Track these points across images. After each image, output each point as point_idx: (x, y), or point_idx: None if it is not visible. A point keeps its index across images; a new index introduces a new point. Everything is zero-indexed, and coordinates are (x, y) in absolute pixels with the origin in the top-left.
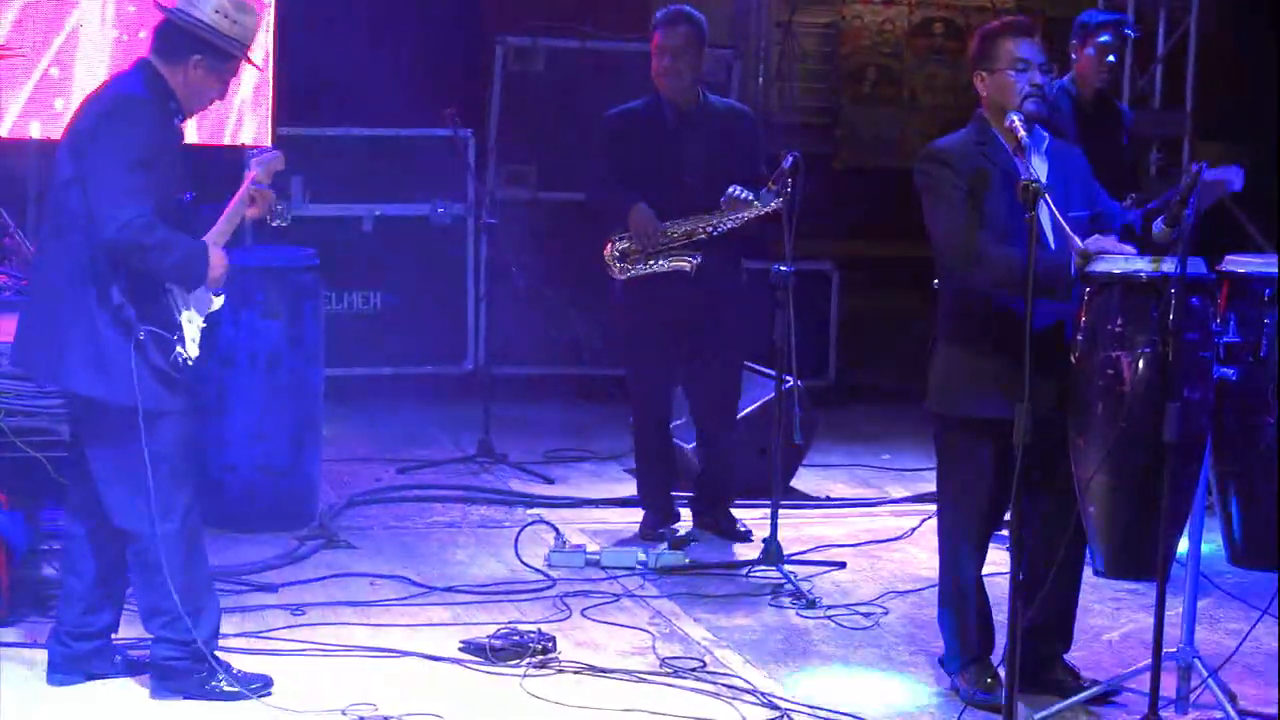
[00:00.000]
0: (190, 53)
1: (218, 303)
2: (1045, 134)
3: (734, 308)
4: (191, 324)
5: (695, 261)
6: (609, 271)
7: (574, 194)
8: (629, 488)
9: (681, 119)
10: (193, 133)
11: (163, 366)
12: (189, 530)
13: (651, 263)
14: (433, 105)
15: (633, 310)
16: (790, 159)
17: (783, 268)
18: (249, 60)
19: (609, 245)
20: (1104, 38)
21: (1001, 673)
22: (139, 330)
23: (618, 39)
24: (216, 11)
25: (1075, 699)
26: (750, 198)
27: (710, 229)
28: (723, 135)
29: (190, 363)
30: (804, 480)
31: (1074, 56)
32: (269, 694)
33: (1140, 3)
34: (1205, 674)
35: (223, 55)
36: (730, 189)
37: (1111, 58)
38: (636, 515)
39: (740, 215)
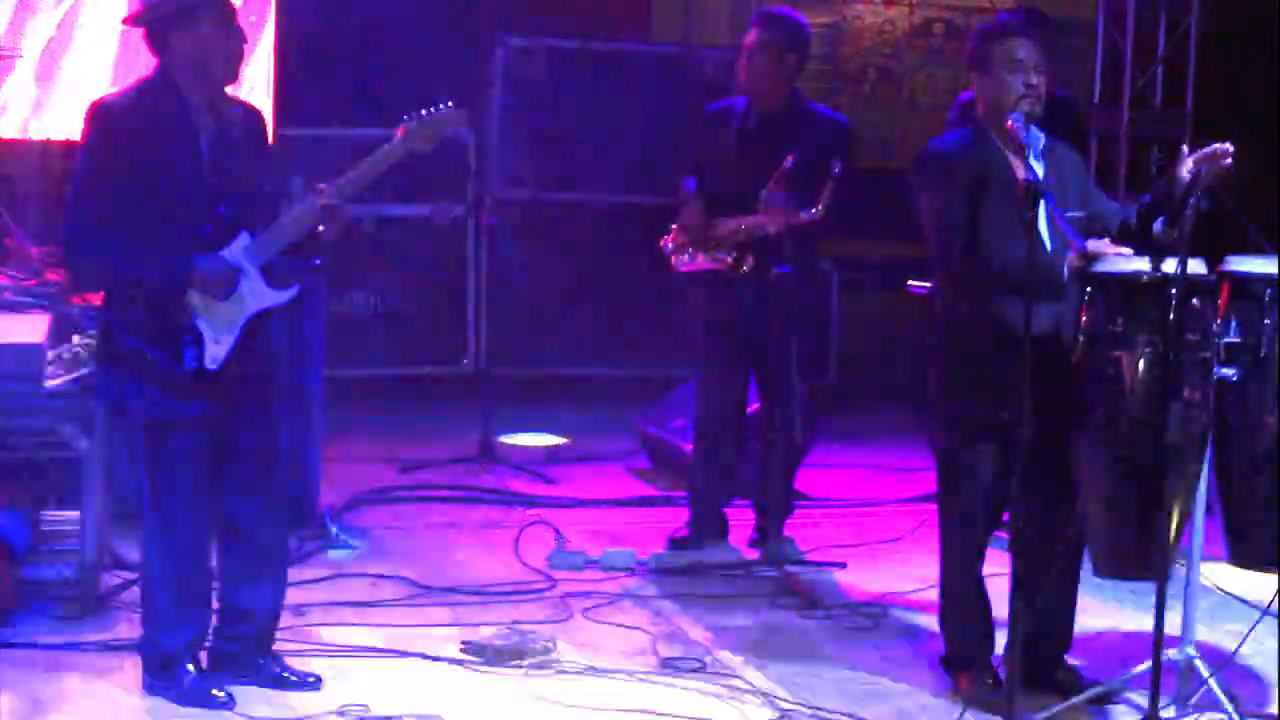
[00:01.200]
0: (172, 38)
1: (273, 298)
2: (1042, 134)
3: (797, 317)
4: (216, 324)
5: (730, 259)
6: (666, 261)
7: (574, 195)
8: (630, 488)
9: (762, 121)
10: None
11: (176, 374)
12: (184, 549)
13: (694, 254)
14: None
15: (699, 308)
16: (790, 160)
17: (782, 269)
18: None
19: (666, 236)
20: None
21: (1002, 673)
22: (126, 339)
23: (619, 40)
24: None
25: (1075, 699)
26: (786, 204)
27: (754, 232)
28: (801, 142)
29: (210, 366)
30: (804, 480)
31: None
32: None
33: (1140, 3)
34: (1205, 674)
35: (185, 15)
36: (765, 194)
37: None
38: (637, 515)
39: (780, 222)
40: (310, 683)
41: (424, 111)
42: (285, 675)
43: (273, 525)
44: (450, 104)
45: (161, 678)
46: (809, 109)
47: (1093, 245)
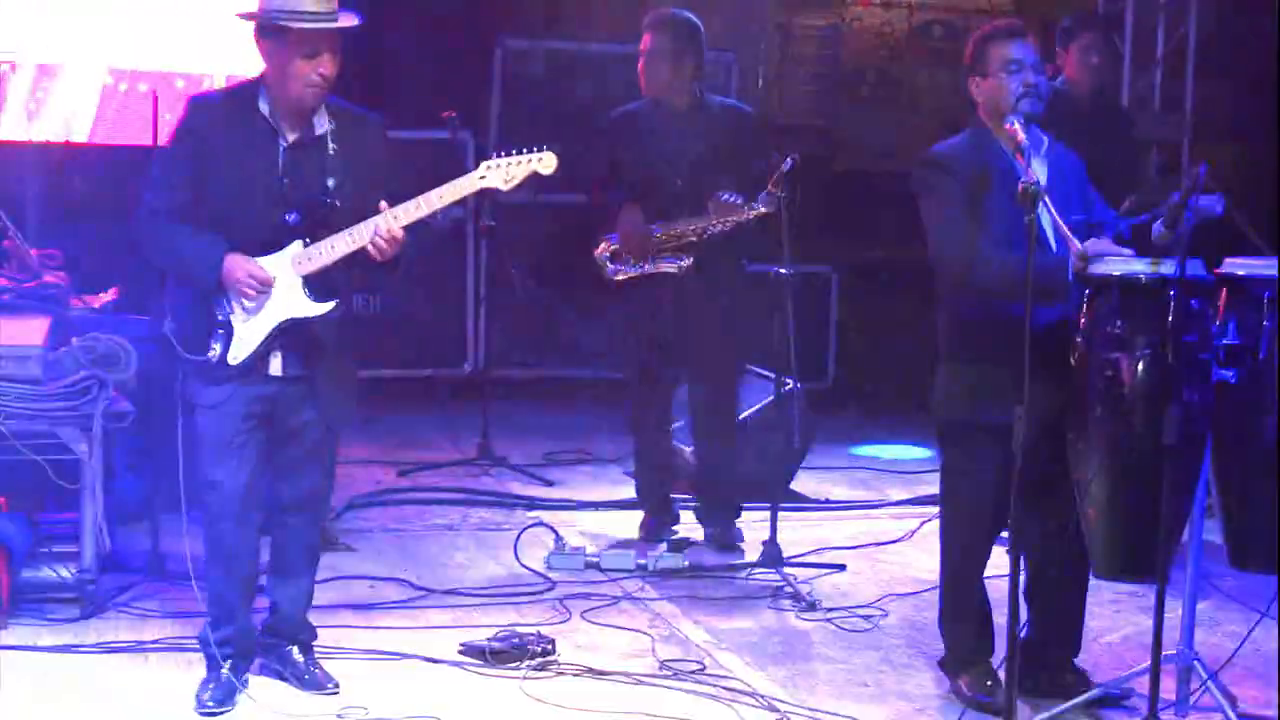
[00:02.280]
0: (263, 47)
1: (309, 309)
2: (1044, 136)
3: (733, 310)
4: (248, 324)
5: (683, 264)
6: (601, 272)
7: (573, 196)
8: (628, 490)
9: (674, 120)
10: None
11: (195, 360)
12: (213, 535)
13: (640, 264)
14: (432, 108)
15: (631, 311)
16: (790, 162)
17: (782, 271)
18: (299, 22)
19: (601, 246)
20: (1083, 38)
21: (1002, 675)
22: (168, 322)
23: (616, 41)
24: None
25: (1074, 701)
26: (738, 201)
27: (700, 233)
28: (718, 136)
29: (229, 362)
30: (803, 483)
31: (1060, 61)
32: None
33: (1139, 4)
34: (1205, 676)
35: (274, 31)
36: (718, 193)
37: (1094, 59)
38: (636, 517)
39: (729, 219)
40: (327, 688)
41: (507, 152)
42: (307, 674)
43: (307, 522)
44: (540, 149)
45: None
46: (715, 102)
47: (1092, 245)
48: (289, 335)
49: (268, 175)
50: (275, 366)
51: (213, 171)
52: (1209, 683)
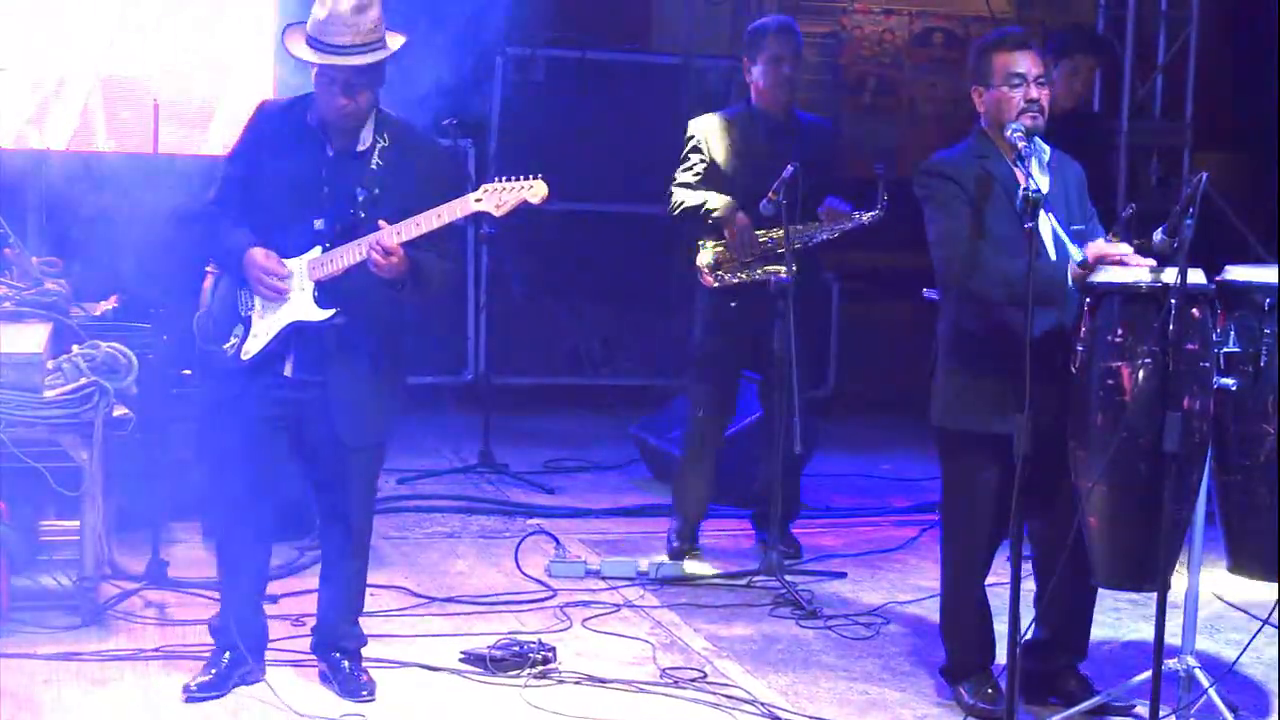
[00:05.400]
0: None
1: (313, 313)
2: (1046, 146)
3: (813, 322)
4: (264, 321)
5: (792, 271)
6: (701, 279)
7: (574, 204)
8: (629, 498)
9: (775, 130)
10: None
11: (212, 351)
12: (221, 530)
13: (746, 271)
14: (432, 115)
15: (715, 317)
16: (790, 169)
17: (783, 277)
18: (324, 56)
19: (700, 252)
20: (1073, 60)
21: (1002, 683)
22: (199, 314)
23: (617, 50)
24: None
25: (1077, 709)
26: (850, 210)
27: (806, 240)
28: (814, 148)
29: (242, 357)
30: (804, 490)
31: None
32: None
33: (1140, 13)
34: (1206, 684)
35: (301, 61)
36: (830, 201)
37: (1078, 85)
38: (636, 525)
39: (838, 227)
40: (361, 696)
41: (504, 179)
42: (339, 677)
43: (343, 530)
44: (534, 178)
45: None
46: (803, 115)
47: (1093, 248)
48: (300, 338)
49: (310, 182)
50: (288, 368)
51: (264, 174)
52: (1210, 690)
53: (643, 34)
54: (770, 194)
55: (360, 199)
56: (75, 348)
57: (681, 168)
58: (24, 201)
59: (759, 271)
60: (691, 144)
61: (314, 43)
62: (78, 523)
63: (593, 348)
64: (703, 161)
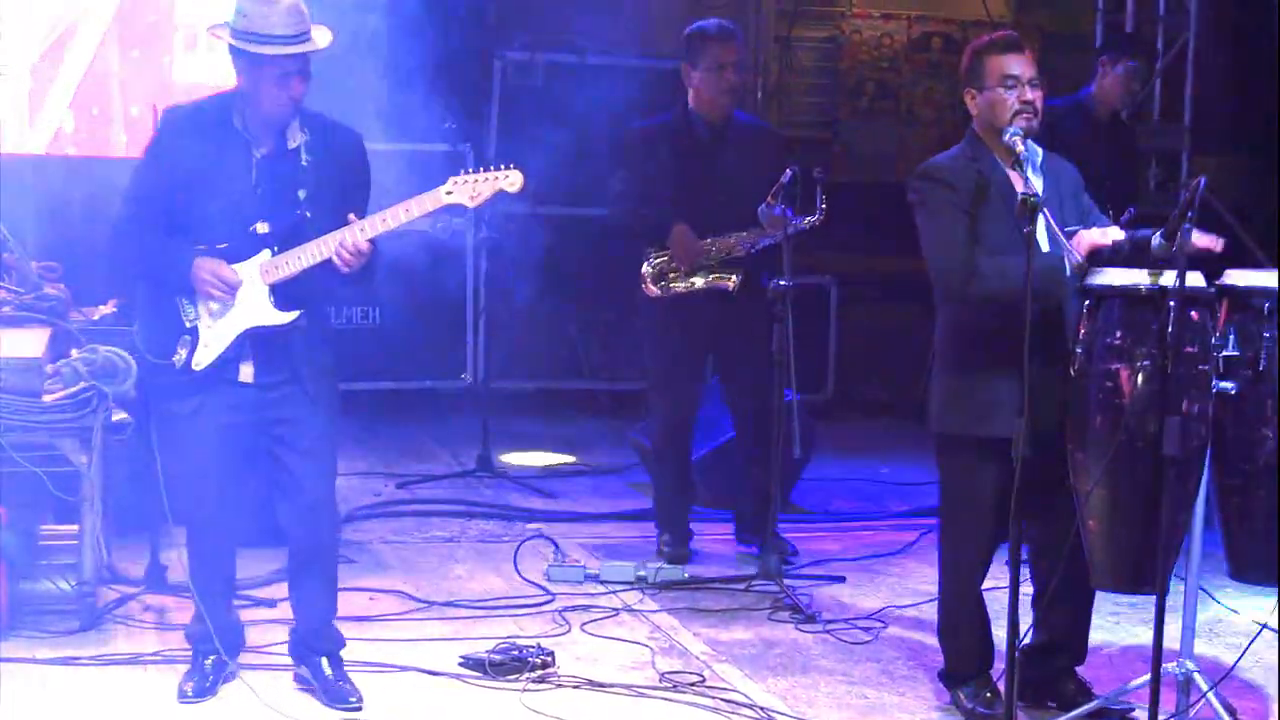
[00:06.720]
0: (236, 64)
1: (272, 317)
2: (1040, 148)
3: (763, 324)
4: (213, 330)
5: (738, 279)
6: (644, 289)
7: (573, 209)
8: (628, 502)
9: (714, 135)
10: None
11: (160, 365)
12: (193, 541)
13: (693, 280)
14: (431, 120)
15: (665, 327)
16: (789, 173)
17: (781, 281)
18: (270, 47)
19: (644, 263)
20: (1134, 62)
21: (1001, 687)
22: (136, 329)
23: (615, 54)
24: (236, 12)
25: (1075, 713)
26: (789, 214)
27: (749, 246)
28: (752, 153)
29: (193, 368)
30: (803, 494)
31: (1100, 71)
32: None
33: (1139, 17)
34: (1204, 688)
35: (245, 54)
36: (768, 206)
37: (1137, 85)
38: (635, 530)
39: (780, 232)
40: (349, 702)
41: (474, 170)
42: (332, 687)
43: (310, 530)
44: (507, 166)
45: None
46: (743, 118)
47: (1084, 238)
48: (258, 343)
49: (240, 186)
50: (246, 374)
51: (185, 182)
52: (1209, 695)
53: (638, 38)
54: (769, 198)
55: (303, 198)
56: (74, 352)
57: (615, 177)
58: (23, 206)
59: (708, 279)
60: (625, 154)
61: (263, 38)
62: (77, 527)
63: (592, 352)
64: (636, 172)
